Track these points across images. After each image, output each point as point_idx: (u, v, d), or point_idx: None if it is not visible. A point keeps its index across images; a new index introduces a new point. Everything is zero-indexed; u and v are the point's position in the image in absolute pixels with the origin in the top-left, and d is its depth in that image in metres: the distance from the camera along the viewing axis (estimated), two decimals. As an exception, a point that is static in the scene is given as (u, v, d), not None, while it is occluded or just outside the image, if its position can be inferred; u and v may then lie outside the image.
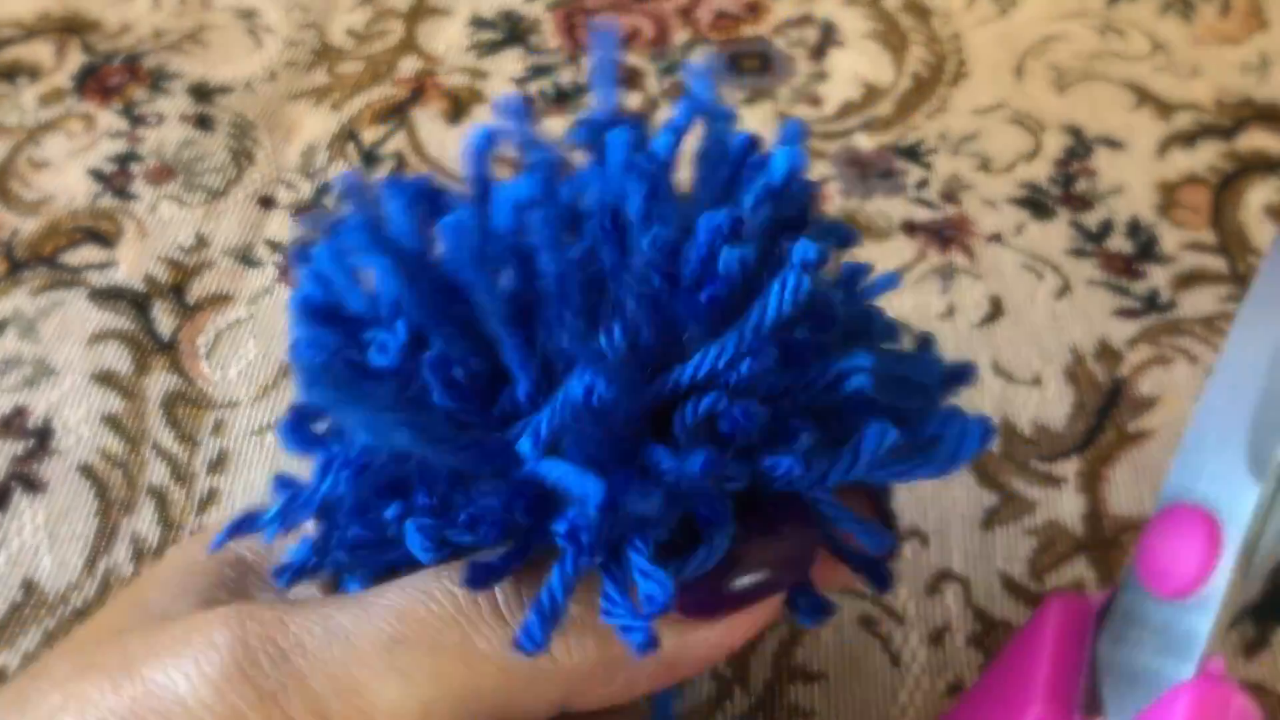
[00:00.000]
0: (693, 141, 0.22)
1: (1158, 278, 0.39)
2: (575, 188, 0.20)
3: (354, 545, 0.20)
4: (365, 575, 0.21)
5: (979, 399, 0.35)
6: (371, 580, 0.20)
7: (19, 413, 0.36)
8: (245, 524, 0.21)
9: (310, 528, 0.20)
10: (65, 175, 0.44)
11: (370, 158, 0.44)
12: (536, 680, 0.18)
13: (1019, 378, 0.36)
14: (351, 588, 0.21)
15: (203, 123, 0.46)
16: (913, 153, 0.45)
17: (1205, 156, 0.44)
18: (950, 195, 0.43)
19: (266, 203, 0.43)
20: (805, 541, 0.19)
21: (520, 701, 0.18)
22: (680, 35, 0.51)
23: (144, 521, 0.33)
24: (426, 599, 0.18)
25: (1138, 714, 0.22)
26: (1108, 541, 0.32)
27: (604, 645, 0.18)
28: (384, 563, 0.20)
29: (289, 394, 0.36)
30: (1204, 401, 0.24)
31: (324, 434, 0.20)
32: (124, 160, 0.44)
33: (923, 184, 0.43)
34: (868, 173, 0.44)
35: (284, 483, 0.20)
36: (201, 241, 0.41)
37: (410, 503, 0.18)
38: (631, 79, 0.48)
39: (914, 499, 0.33)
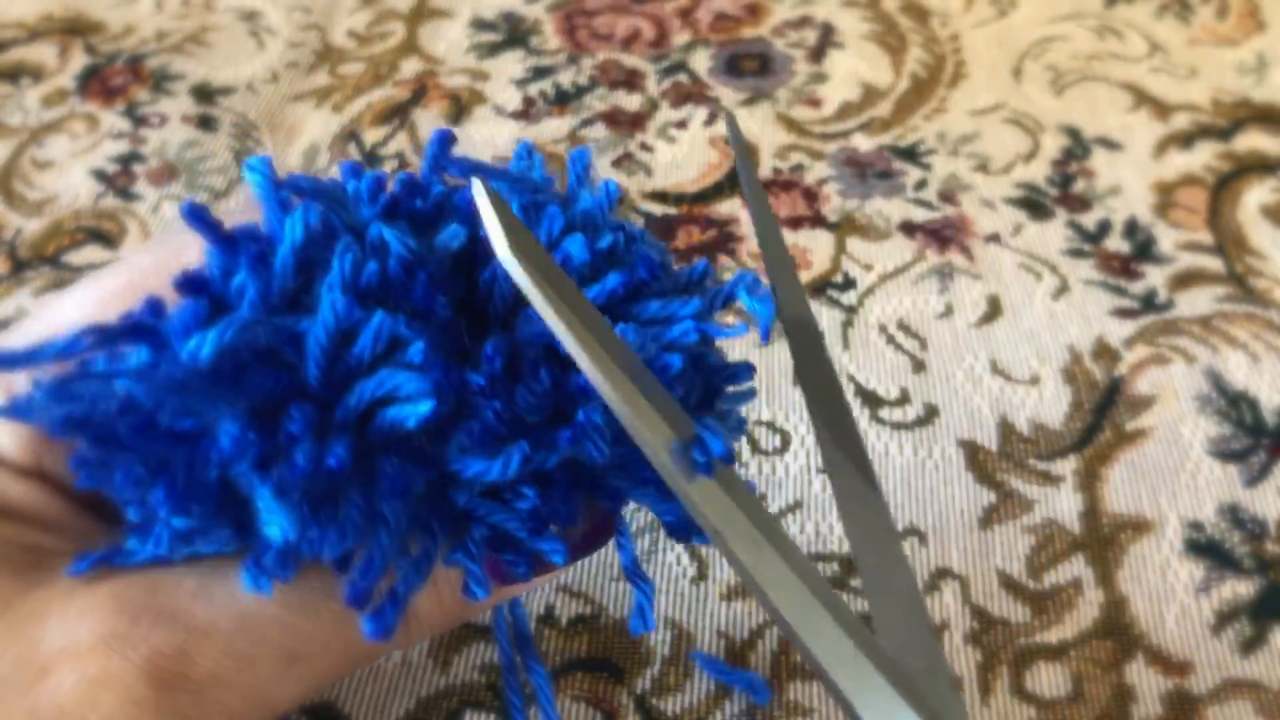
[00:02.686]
0: None
1: (1155, 278, 0.40)
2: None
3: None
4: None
5: (978, 399, 0.36)
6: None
7: (22, 412, 0.36)
8: (111, 558, 0.20)
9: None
10: (68, 175, 0.44)
11: (372, 158, 0.45)
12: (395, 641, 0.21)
13: (1017, 377, 0.36)
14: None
15: (205, 123, 0.46)
16: (911, 153, 0.45)
17: (1202, 157, 0.44)
18: (949, 196, 0.43)
19: (268, 203, 0.43)
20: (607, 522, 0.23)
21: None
22: (680, 36, 0.51)
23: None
24: (326, 604, 0.20)
25: None
26: (1105, 539, 0.32)
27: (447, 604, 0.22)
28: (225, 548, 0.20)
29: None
30: None
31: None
32: (126, 161, 0.44)
33: (921, 184, 0.43)
34: (866, 173, 0.44)
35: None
36: (204, 242, 0.41)
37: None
38: (631, 79, 0.49)
39: (913, 497, 0.33)
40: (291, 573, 0.18)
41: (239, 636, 0.19)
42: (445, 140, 0.22)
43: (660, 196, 0.43)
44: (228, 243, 0.19)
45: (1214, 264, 0.40)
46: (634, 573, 0.23)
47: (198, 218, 0.19)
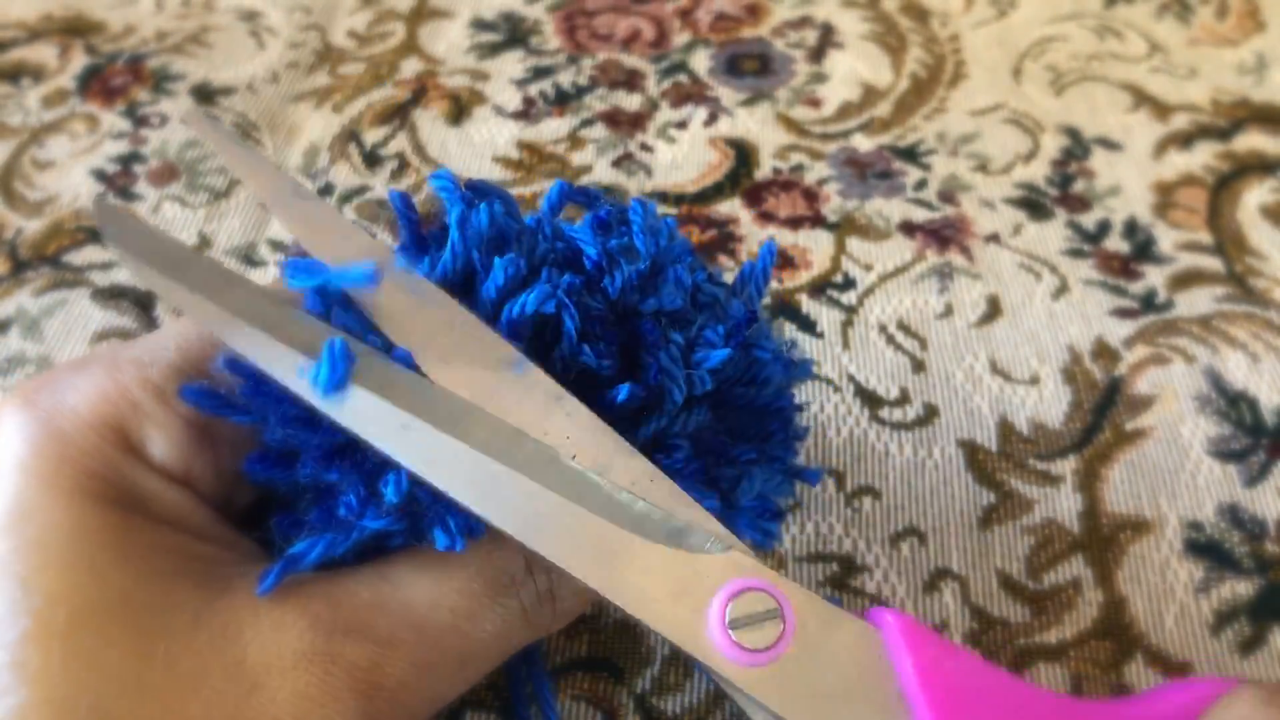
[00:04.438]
0: None
1: (1155, 278, 0.40)
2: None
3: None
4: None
5: (978, 398, 0.36)
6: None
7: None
8: (289, 567, 0.21)
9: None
10: (69, 176, 0.44)
11: (372, 159, 0.45)
12: (542, 628, 0.23)
13: (1017, 377, 0.36)
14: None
15: (205, 124, 0.46)
16: (911, 153, 0.45)
17: (1202, 157, 0.44)
18: (948, 196, 0.43)
19: (268, 203, 0.43)
20: None
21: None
22: (680, 37, 0.51)
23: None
24: (492, 613, 0.22)
25: None
26: (1105, 540, 0.32)
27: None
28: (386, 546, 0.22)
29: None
30: None
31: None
32: (127, 161, 0.44)
33: (921, 185, 0.43)
34: (866, 173, 0.44)
35: (285, 524, 0.22)
36: (204, 241, 0.41)
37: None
38: (631, 80, 0.49)
39: (912, 497, 0.33)
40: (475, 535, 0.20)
41: (421, 646, 0.20)
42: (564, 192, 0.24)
43: (660, 197, 0.43)
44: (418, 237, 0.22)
45: (1214, 264, 0.40)
46: None
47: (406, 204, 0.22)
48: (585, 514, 0.19)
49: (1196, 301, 0.39)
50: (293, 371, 0.20)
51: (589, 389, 0.21)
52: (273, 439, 0.21)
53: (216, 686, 0.18)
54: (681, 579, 0.19)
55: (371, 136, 0.46)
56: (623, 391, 0.21)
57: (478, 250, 0.22)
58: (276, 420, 0.20)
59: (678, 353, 0.22)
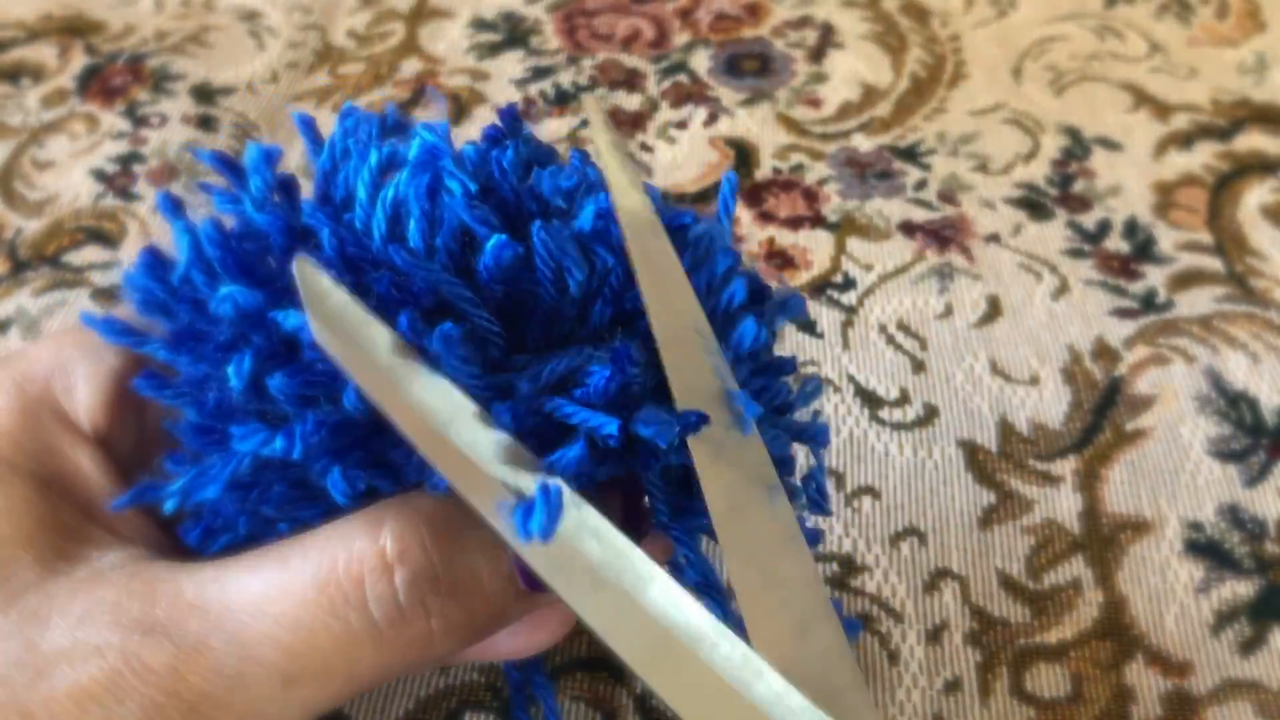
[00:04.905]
0: None
1: (1155, 278, 0.40)
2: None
3: (279, 502, 0.20)
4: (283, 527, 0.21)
5: (978, 399, 0.36)
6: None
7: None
8: (147, 493, 0.20)
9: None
10: (68, 176, 0.44)
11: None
12: (410, 652, 0.19)
13: (1017, 377, 0.36)
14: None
15: (205, 124, 0.46)
16: (911, 153, 0.45)
17: (1202, 157, 0.44)
18: (948, 196, 0.43)
19: (268, 203, 0.43)
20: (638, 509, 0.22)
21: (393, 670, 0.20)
22: (680, 37, 0.51)
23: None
24: (326, 624, 0.19)
25: None
26: (1105, 540, 0.32)
27: (466, 607, 0.20)
28: (303, 518, 0.20)
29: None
30: None
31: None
32: (127, 161, 0.44)
33: (921, 185, 0.43)
34: (866, 173, 0.44)
35: (176, 461, 0.20)
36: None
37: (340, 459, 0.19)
38: (631, 80, 0.49)
39: (912, 497, 0.33)
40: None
41: (230, 655, 0.18)
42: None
43: (660, 196, 0.43)
44: None
45: (1214, 264, 0.40)
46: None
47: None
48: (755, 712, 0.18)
49: (1197, 301, 0.39)
50: (491, 503, 0.18)
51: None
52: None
53: (4, 668, 0.18)
54: None
55: (371, 136, 0.46)
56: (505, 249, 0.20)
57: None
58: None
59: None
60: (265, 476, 0.20)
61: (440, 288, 0.19)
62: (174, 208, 0.21)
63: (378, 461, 0.20)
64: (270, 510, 0.20)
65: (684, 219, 0.23)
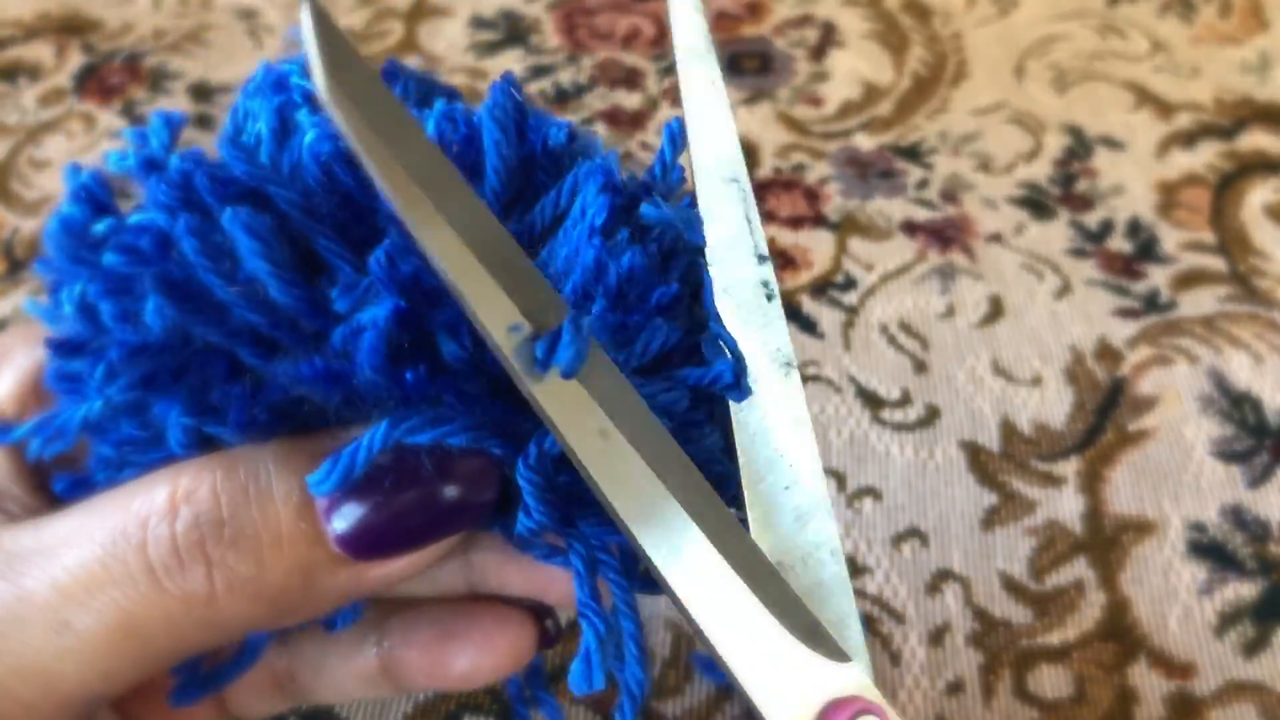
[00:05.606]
0: None
1: (1158, 278, 0.39)
2: None
3: (122, 443, 0.19)
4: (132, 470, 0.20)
5: (980, 399, 0.35)
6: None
7: (19, 412, 0.36)
8: None
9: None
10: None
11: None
12: (193, 607, 0.18)
13: (1019, 377, 0.36)
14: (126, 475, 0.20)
15: (203, 122, 0.46)
16: (913, 153, 0.45)
17: (1205, 156, 0.44)
18: (950, 195, 0.43)
19: (267, 202, 0.43)
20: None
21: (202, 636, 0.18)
22: (680, 35, 0.51)
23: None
24: (105, 566, 0.17)
25: None
26: (1108, 541, 0.32)
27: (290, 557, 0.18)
28: (152, 460, 0.19)
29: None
30: None
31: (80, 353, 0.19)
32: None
33: (923, 184, 0.43)
34: (868, 173, 0.44)
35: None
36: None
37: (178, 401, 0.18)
38: (631, 78, 0.48)
39: (914, 498, 0.33)
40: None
41: (9, 596, 0.17)
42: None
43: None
44: None
45: (1217, 264, 0.40)
46: (586, 606, 0.19)
47: None
48: (743, 588, 0.18)
49: (1200, 301, 0.38)
50: (503, 329, 0.16)
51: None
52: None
53: None
54: (804, 678, 0.18)
55: (370, 135, 0.45)
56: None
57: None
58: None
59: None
60: (116, 421, 0.19)
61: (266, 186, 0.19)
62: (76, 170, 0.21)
63: (205, 407, 0.18)
64: (111, 452, 0.19)
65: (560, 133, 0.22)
